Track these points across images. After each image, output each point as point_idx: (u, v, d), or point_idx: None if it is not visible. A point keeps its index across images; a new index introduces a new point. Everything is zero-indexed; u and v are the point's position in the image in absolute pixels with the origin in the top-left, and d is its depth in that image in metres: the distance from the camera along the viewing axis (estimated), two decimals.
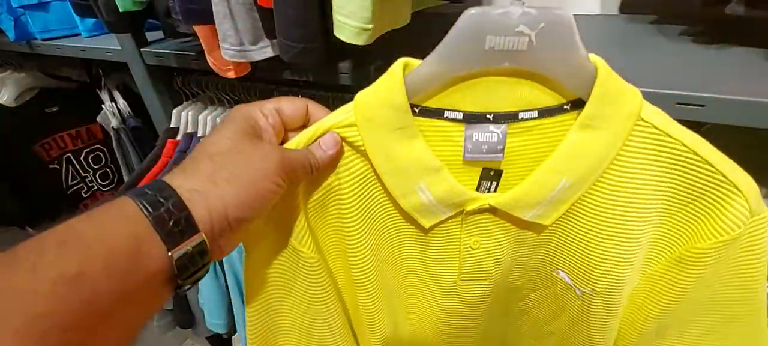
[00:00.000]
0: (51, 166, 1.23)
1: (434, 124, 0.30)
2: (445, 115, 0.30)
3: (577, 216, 0.31)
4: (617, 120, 0.27)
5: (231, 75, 0.56)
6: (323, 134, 0.30)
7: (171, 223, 0.22)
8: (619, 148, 0.28)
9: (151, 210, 0.22)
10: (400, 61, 0.29)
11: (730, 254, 0.29)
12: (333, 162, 0.30)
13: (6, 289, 0.18)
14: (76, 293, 0.19)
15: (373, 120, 0.29)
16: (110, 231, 0.21)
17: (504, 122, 0.29)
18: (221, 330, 0.86)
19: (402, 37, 0.54)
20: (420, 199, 0.30)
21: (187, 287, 0.24)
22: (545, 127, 0.30)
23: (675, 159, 0.28)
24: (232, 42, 0.49)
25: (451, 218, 0.32)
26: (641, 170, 0.29)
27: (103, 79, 0.99)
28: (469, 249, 0.33)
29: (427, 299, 0.37)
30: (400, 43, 0.56)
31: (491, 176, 0.32)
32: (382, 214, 0.32)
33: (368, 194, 0.32)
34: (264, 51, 0.51)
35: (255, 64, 0.54)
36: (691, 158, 0.28)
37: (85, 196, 1.34)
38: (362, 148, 0.30)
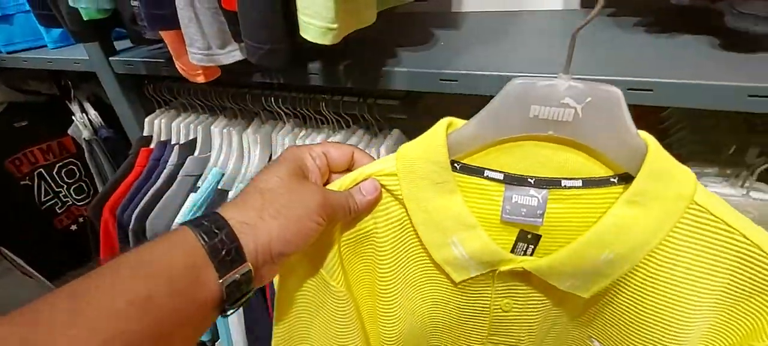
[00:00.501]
0: (22, 182, 1.19)
1: (474, 182, 0.31)
2: (485, 174, 0.30)
3: (619, 293, 0.30)
4: (667, 200, 0.26)
5: (200, 80, 0.56)
6: (364, 180, 0.31)
7: (223, 252, 0.24)
8: (668, 229, 0.27)
9: (207, 240, 0.24)
10: (444, 120, 0.30)
11: None
12: (371, 207, 0.32)
13: (90, 307, 0.20)
14: (145, 314, 0.21)
15: (414, 172, 0.30)
16: (173, 258, 0.24)
17: (545, 188, 0.29)
18: (205, 337, 0.85)
19: (369, 37, 0.55)
20: (452, 253, 0.31)
21: (230, 312, 0.26)
22: (589, 197, 0.29)
23: (733, 250, 0.26)
24: (200, 46, 0.50)
25: (482, 275, 0.32)
26: (692, 256, 0.27)
27: (72, 90, 0.97)
28: (500, 311, 0.33)
29: None
30: (368, 43, 0.58)
31: (528, 239, 0.31)
32: (415, 262, 0.33)
33: (403, 240, 0.32)
34: (232, 54, 0.51)
35: (225, 68, 0.54)
36: (754, 252, 0.26)
37: (59, 211, 1.31)
38: (401, 197, 0.31)
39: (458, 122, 0.30)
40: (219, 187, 0.69)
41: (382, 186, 0.31)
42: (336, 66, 0.54)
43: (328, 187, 0.32)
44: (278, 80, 0.58)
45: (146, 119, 0.79)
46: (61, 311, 0.20)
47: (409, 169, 0.30)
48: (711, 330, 0.29)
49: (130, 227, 0.73)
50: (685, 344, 0.29)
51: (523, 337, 0.34)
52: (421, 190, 0.30)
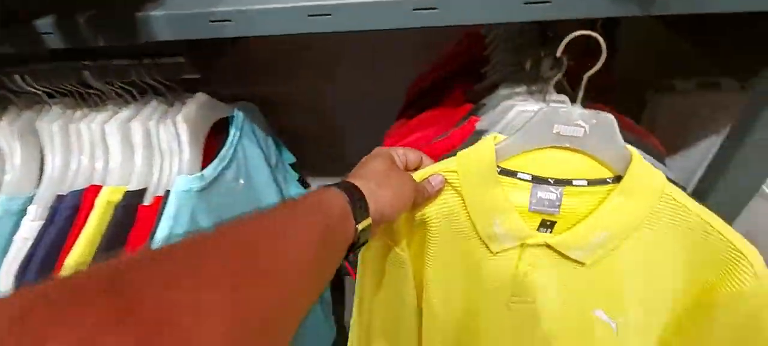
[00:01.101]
0: None
1: (510, 181, 0.40)
2: (517, 176, 0.40)
3: (611, 261, 0.40)
4: (646, 193, 0.37)
5: None
6: (433, 175, 0.40)
7: (358, 206, 0.32)
8: (647, 213, 0.37)
9: (349, 195, 0.32)
10: (491, 135, 0.39)
11: (741, 307, 0.37)
12: (437, 195, 0.41)
13: (300, 223, 0.27)
14: (327, 235, 0.28)
15: (471, 171, 0.40)
16: (333, 203, 0.31)
17: (561, 186, 0.39)
18: None
19: None
20: (494, 230, 0.41)
21: (350, 256, 0.33)
22: (592, 193, 0.39)
23: (693, 227, 0.37)
24: None
25: (513, 248, 0.41)
26: (664, 231, 0.38)
27: None
28: (522, 275, 0.42)
29: (483, 313, 0.46)
30: None
31: (548, 224, 0.41)
32: (463, 238, 0.42)
33: (457, 221, 0.42)
34: None
35: None
36: (706, 226, 0.36)
37: None
38: (458, 188, 0.41)
39: (501, 137, 0.39)
40: None
41: (445, 179, 0.41)
42: (75, 20, 0.40)
43: None
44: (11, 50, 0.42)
45: None
46: (281, 222, 0.26)
47: (467, 169, 0.40)
48: (683, 284, 0.40)
49: None
50: (659, 293, 0.41)
51: (538, 295, 0.43)
52: (475, 184, 0.40)
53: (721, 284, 0.37)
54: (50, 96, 0.54)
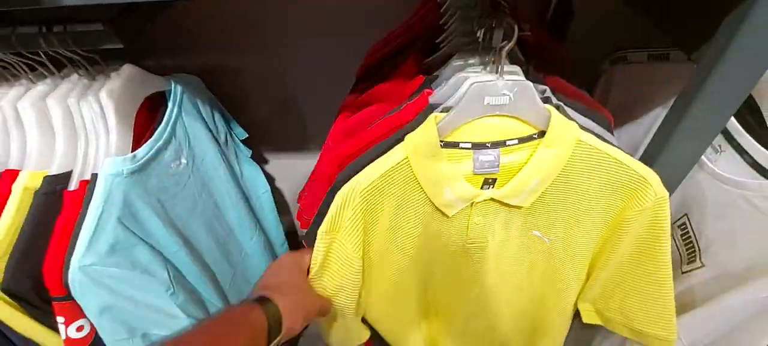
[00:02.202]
0: None
1: (453, 152, 0.45)
2: (459, 146, 0.45)
3: (544, 199, 0.47)
4: (565, 142, 0.43)
5: None
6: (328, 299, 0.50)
7: (274, 329, 0.38)
8: (567, 158, 0.44)
9: (268, 316, 0.39)
10: (433, 116, 0.43)
11: (643, 219, 0.45)
12: (327, 313, 0.51)
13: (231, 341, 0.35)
14: None
15: (418, 151, 0.44)
16: (256, 325, 0.38)
17: (497, 147, 0.45)
18: None
19: None
20: (446, 198, 0.46)
21: None
22: (523, 148, 0.45)
23: (604, 163, 0.44)
24: None
25: (464, 208, 0.47)
26: (582, 171, 0.45)
27: None
28: (474, 225, 0.49)
29: (446, 260, 0.54)
30: None
31: (490, 181, 0.47)
32: (422, 209, 0.48)
33: (413, 197, 0.47)
34: None
35: None
36: (615, 162, 0.44)
37: None
38: (409, 170, 0.45)
39: (440, 115, 0.43)
40: None
41: (399, 169, 0.45)
42: None
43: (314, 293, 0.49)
44: None
45: None
46: (217, 341, 0.35)
47: (414, 151, 0.44)
48: (603, 211, 0.48)
49: None
50: (582, 217, 0.49)
51: (488, 237, 0.51)
52: (424, 161, 0.44)
53: (630, 205, 0.45)
54: None
